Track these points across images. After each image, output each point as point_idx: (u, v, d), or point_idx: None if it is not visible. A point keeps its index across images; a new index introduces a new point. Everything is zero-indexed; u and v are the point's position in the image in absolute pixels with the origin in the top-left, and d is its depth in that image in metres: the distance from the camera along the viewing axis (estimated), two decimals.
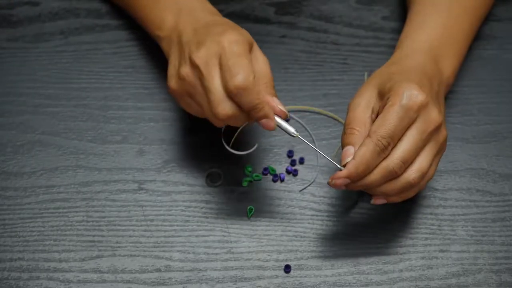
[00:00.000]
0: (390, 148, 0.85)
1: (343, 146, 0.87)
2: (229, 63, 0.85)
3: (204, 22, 0.92)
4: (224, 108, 0.86)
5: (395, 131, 0.85)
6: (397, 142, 0.85)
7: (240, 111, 0.86)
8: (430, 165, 0.87)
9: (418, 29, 0.97)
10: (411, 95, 0.85)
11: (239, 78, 0.84)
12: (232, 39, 0.86)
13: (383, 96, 0.87)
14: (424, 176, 0.86)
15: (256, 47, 0.89)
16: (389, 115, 0.85)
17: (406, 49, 0.95)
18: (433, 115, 0.86)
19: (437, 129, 0.87)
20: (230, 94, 0.85)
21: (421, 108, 0.85)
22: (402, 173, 0.86)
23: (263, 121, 0.86)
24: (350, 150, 0.86)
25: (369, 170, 0.85)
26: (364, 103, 0.88)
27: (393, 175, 0.85)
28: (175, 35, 0.93)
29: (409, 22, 0.99)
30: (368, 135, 0.85)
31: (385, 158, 0.85)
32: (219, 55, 0.86)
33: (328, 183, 0.86)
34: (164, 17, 0.97)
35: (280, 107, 0.87)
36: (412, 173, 0.86)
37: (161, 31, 0.97)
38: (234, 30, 0.88)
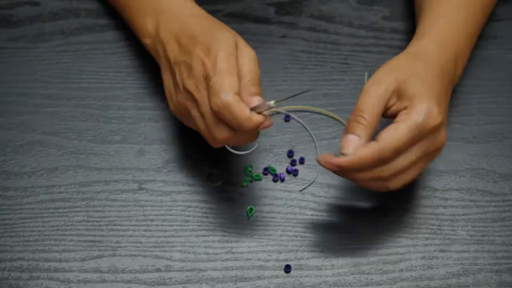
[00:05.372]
0: (391, 159, 0.85)
1: (347, 130, 0.87)
2: (211, 83, 0.85)
3: (186, 29, 0.90)
4: (219, 131, 0.86)
5: (403, 147, 0.85)
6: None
7: (234, 132, 0.86)
8: (410, 169, 0.88)
9: (441, 22, 0.96)
10: (430, 116, 0.85)
11: (219, 96, 0.84)
12: (216, 56, 0.86)
13: (402, 98, 0.87)
14: (401, 180, 0.88)
15: (242, 43, 0.89)
16: (403, 130, 0.85)
17: (431, 39, 0.93)
18: (441, 137, 0.88)
19: (439, 149, 0.88)
20: (216, 115, 0.85)
21: (434, 129, 0.86)
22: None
23: (260, 127, 0.86)
24: (353, 140, 0.86)
25: (362, 169, 0.86)
26: (380, 93, 0.87)
27: (379, 180, 0.87)
28: (160, 46, 0.93)
29: (429, 12, 0.98)
30: (377, 140, 0.85)
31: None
32: (205, 77, 0.86)
33: (317, 160, 0.87)
34: (145, 23, 0.96)
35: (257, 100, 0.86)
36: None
37: (145, 38, 0.96)
38: (217, 38, 0.87)
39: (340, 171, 0.86)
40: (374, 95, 0.87)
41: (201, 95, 0.86)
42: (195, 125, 0.89)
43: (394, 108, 0.88)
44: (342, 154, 0.85)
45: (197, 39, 0.88)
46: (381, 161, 0.85)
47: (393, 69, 0.89)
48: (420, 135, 0.86)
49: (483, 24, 1.02)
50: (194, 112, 0.88)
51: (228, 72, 0.85)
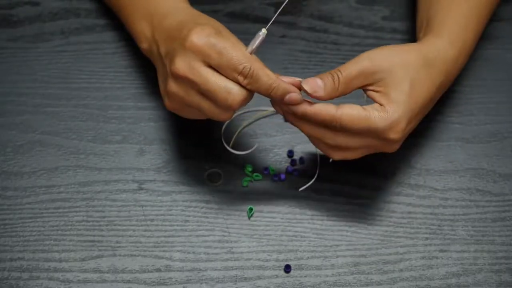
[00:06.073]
0: (337, 131, 0.86)
1: (319, 75, 0.87)
2: (222, 60, 0.83)
3: (179, 26, 0.89)
4: (233, 98, 0.84)
5: (352, 131, 0.85)
6: (346, 134, 0.87)
7: (249, 93, 0.85)
8: (356, 155, 0.89)
9: (454, 20, 0.95)
10: (393, 127, 0.86)
11: (243, 66, 0.83)
12: (200, 34, 0.84)
13: (384, 94, 0.86)
14: (343, 155, 0.89)
15: (226, 32, 0.87)
16: (363, 121, 0.85)
17: (448, 43, 0.92)
18: (393, 147, 0.88)
19: (386, 152, 0.89)
20: (244, 85, 0.84)
21: (390, 140, 0.86)
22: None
23: (287, 98, 0.85)
24: (317, 83, 0.86)
25: (307, 119, 0.86)
26: (370, 72, 0.87)
27: (324, 144, 0.88)
28: (155, 47, 0.92)
29: (444, 7, 0.96)
30: (337, 107, 0.85)
31: (329, 130, 0.86)
32: (202, 55, 0.84)
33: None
34: (142, 28, 0.95)
35: (289, 78, 0.86)
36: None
37: (142, 43, 0.96)
38: (198, 25, 0.85)
39: (291, 113, 0.86)
40: (361, 70, 0.87)
41: (198, 74, 0.84)
42: (197, 110, 0.87)
43: (373, 95, 0.87)
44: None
45: (179, 31, 0.87)
46: (328, 126, 0.86)
47: (398, 60, 0.88)
48: (374, 135, 0.86)
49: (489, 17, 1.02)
50: (192, 96, 0.86)
51: (227, 40, 0.84)
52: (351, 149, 0.88)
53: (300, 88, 0.86)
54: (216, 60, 0.84)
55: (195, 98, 0.86)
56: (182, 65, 0.85)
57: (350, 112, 0.85)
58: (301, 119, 0.87)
